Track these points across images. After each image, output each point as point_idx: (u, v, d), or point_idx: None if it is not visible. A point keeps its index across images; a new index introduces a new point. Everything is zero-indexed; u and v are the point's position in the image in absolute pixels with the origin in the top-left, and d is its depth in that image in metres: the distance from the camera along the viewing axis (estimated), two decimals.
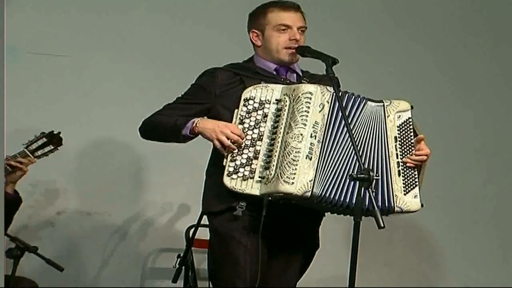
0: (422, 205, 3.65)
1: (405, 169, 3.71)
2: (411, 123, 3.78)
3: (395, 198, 3.68)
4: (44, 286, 4.51)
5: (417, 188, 3.71)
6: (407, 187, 3.68)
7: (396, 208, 3.70)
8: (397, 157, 3.73)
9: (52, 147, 4.53)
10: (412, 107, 3.78)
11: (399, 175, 3.71)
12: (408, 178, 3.72)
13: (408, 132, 3.79)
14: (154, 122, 3.87)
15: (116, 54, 5.25)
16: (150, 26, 5.32)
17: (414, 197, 3.64)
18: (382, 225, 3.35)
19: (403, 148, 3.77)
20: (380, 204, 3.62)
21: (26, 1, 5.15)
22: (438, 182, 5.73)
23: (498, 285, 5.75)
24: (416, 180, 3.76)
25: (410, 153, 3.76)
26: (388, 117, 3.77)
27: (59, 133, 4.51)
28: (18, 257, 4.26)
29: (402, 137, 3.78)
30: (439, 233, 5.87)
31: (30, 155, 4.47)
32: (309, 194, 3.59)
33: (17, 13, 5.06)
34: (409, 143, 3.78)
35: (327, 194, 3.65)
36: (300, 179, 3.59)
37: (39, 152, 4.50)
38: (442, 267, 5.88)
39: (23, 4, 5.10)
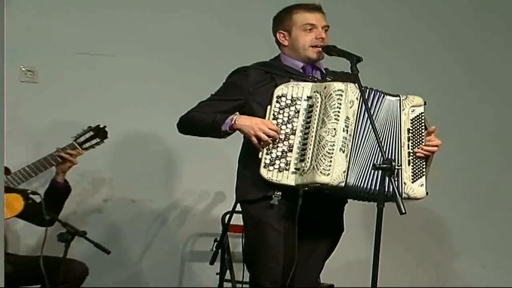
0: (427, 193, 3.70)
1: (414, 159, 3.77)
2: (423, 117, 3.84)
3: (403, 185, 3.74)
4: (92, 267, 4.62)
5: (424, 177, 3.76)
6: (415, 175, 3.73)
7: (403, 195, 3.75)
8: (408, 148, 3.79)
9: (99, 140, 4.64)
10: (425, 103, 3.84)
11: (408, 164, 3.77)
12: (417, 167, 3.77)
13: (420, 125, 3.84)
14: (193, 119, 3.94)
15: (151, 56, 5.37)
16: (184, 30, 5.42)
17: (421, 185, 3.69)
18: (404, 211, 3.40)
19: (414, 139, 3.84)
20: (390, 189, 3.65)
21: (74, 7, 5.31)
22: (456, 170, 5.85)
23: None
24: (424, 169, 3.82)
25: (421, 144, 3.83)
26: (403, 110, 3.83)
27: (105, 126, 4.61)
28: (69, 240, 4.35)
29: (414, 130, 3.84)
30: (458, 220, 5.94)
31: (79, 147, 4.57)
32: (343, 184, 3.68)
33: (68, 16, 5.28)
34: (420, 135, 3.83)
35: (359, 184, 3.73)
36: (335, 171, 3.68)
37: (87, 145, 4.61)
38: (461, 252, 5.98)
39: (75, 11, 5.30)
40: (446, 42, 5.97)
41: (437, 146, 3.84)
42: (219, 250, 4.77)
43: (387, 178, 3.52)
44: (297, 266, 3.86)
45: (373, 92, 3.79)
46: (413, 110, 3.85)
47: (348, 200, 4.01)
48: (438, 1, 6.00)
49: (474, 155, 5.97)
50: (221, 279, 4.83)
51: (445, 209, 5.80)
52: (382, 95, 3.80)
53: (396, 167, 3.64)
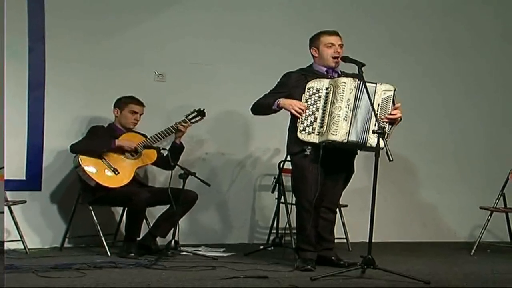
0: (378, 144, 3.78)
1: (379, 124, 3.91)
2: (391, 98, 4.04)
3: (368, 138, 3.96)
4: (199, 194, 4.75)
5: (385, 135, 3.87)
6: (374, 133, 3.85)
7: (367, 144, 3.96)
8: (376, 116, 3.94)
9: (200, 117, 4.92)
10: (395, 89, 4.02)
11: (374, 125, 3.92)
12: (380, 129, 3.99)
13: (388, 103, 4.02)
14: (259, 104, 4.26)
15: (234, 65, 5.39)
16: (256, 55, 5.43)
17: (376, 140, 3.77)
18: (391, 159, 3.63)
19: (381, 111, 4.03)
20: (362, 140, 3.96)
21: (187, 35, 5.34)
22: (419, 134, 5.84)
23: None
24: (385, 130, 3.87)
25: (386, 115, 4.01)
26: (377, 92, 3.99)
27: (204, 109, 4.91)
28: (185, 178, 4.61)
29: (382, 105, 4.04)
30: (423, 164, 5.90)
31: (189, 121, 4.85)
32: (346, 140, 4.01)
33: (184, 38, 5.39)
34: (386, 109, 4.01)
35: (355, 139, 3.98)
36: (341, 132, 3.99)
37: (193, 120, 4.88)
38: (424, 183, 5.88)
39: (188, 37, 5.31)
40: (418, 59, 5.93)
41: (397, 117, 4.00)
42: (277, 184, 4.97)
43: (380, 139, 3.68)
44: (325, 194, 4.08)
45: (364, 82, 4.02)
46: (385, 93, 4.05)
47: (358, 153, 4.20)
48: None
49: (429, 124, 5.88)
50: (278, 201, 5.05)
51: (416, 158, 5.88)
52: (368, 83, 3.99)
53: (387, 132, 3.72)
